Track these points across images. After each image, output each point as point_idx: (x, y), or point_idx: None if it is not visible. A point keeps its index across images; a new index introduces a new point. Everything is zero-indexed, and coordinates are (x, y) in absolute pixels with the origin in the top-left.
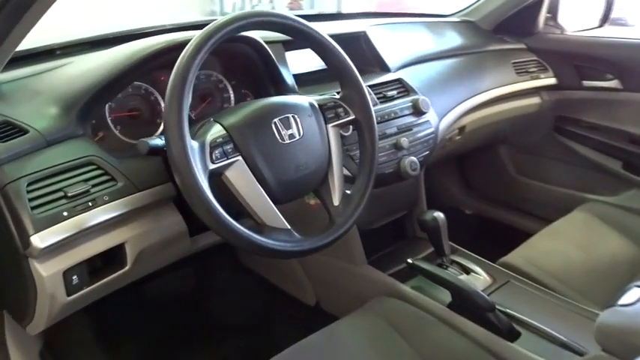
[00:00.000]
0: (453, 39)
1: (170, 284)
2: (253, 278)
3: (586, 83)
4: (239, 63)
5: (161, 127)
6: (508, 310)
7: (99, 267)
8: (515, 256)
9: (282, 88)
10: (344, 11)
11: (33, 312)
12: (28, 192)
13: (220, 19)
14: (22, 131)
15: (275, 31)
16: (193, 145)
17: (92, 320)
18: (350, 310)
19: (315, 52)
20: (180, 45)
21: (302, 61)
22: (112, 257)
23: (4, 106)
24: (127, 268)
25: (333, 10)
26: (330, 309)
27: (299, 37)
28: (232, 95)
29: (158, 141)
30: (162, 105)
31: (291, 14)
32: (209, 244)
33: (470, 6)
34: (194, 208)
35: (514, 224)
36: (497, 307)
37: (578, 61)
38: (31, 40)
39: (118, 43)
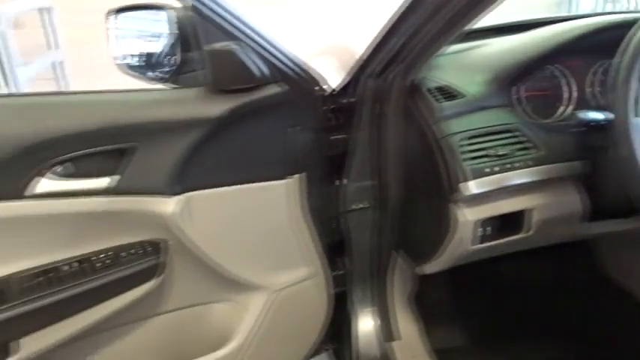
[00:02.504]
0: None
1: (526, 271)
2: (609, 285)
3: None
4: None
5: (559, 110)
6: None
7: (500, 226)
8: None
9: None
10: None
11: (435, 253)
12: (460, 146)
13: None
14: (457, 95)
15: None
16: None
17: (451, 284)
18: None
19: None
20: (619, 25)
21: None
22: (512, 221)
23: (441, 73)
24: (525, 234)
25: None
26: None
27: None
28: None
29: (596, 115)
30: (564, 89)
31: None
32: (597, 233)
33: None
34: (630, 184)
35: None
36: None
37: None
38: None
39: (522, 30)
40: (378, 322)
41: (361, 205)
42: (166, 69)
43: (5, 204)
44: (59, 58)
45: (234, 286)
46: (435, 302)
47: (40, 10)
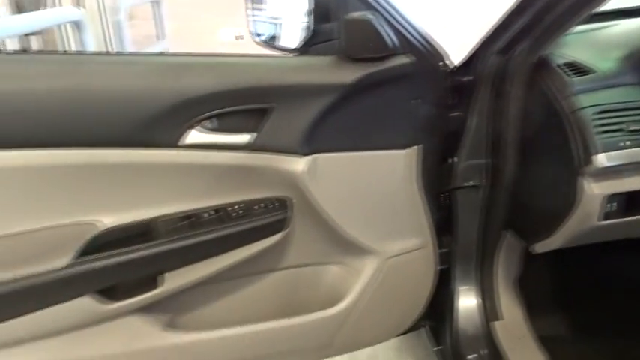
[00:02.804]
0: None
1: (635, 264)
2: None
3: None
4: None
5: None
6: None
7: (627, 204)
8: None
9: None
10: None
11: (553, 231)
12: (593, 120)
13: None
14: (587, 71)
15: None
16: None
17: (556, 271)
18: None
19: None
20: None
21: None
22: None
23: (568, 50)
24: None
25: None
26: None
27: None
28: None
29: None
30: None
31: None
32: None
33: None
34: None
35: None
36: None
37: None
38: None
39: None
40: (481, 301)
41: (472, 183)
42: (299, 41)
43: (163, 152)
44: (165, 48)
45: (349, 249)
46: (538, 288)
47: (152, 3)
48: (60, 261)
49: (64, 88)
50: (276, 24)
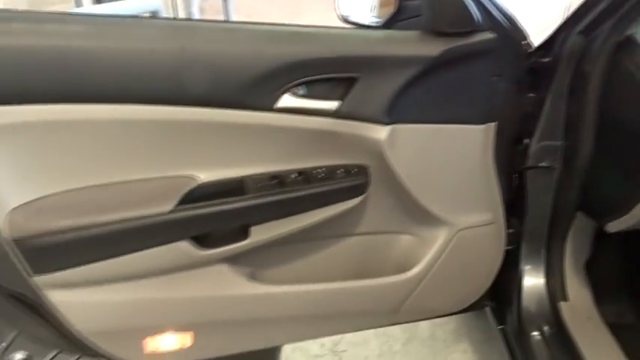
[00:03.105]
0: None
1: None
2: None
3: None
4: None
5: None
6: None
7: None
8: None
9: None
10: None
11: (631, 207)
12: None
13: None
14: None
15: None
16: None
17: (625, 257)
18: None
19: None
20: None
21: None
22: None
23: None
24: None
25: None
26: None
27: None
28: None
29: None
30: None
31: None
32: None
33: None
34: None
35: None
36: None
37: None
38: None
39: None
40: (548, 281)
41: (545, 164)
42: (383, 19)
43: (258, 114)
44: None
45: (422, 218)
46: (607, 272)
47: None
48: (163, 207)
49: (175, 50)
50: (362, 2)
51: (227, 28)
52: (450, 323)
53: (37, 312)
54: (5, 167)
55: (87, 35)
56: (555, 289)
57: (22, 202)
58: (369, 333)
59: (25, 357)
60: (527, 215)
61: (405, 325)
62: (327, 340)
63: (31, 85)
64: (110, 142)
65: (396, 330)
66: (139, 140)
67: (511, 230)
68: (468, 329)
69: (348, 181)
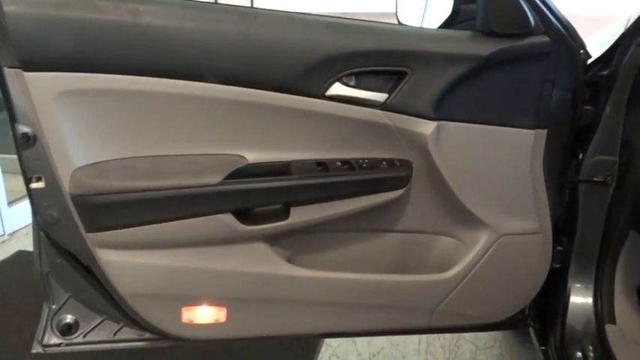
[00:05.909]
0: None
1: None
2: None
3: None
4: None
5: None
6: None
7: None
8: None
9: None
10: None
11: None
12: None
13: None
14: None
15: None
16: None
17: None
18: None
19: None
20: None
21: None
22: None
23: None
24: None
25: None
26: None
27: None
28: None
29: None
30: None
31: None
32: None
33: None
34: None
35: None
36: None
37: None
38: None
39: None
40: (596, 301)
41: (599, 179)
42: (440, 22)
43: (310, 100)
44: None
45: (464, 219)
46: None
47: None
48: (212, 180)
49: (239, 34)
50: (420, 5)
51: (287, 16)
52: (494, 348)
53: (89, 272)
54: (78, 130)
55: (166, 15)
56: (603, 311)
57: (86, 163)
58: (410, 349)
59: (72, 321)
60: (577, 231)
61: (447, 344)
62: (365, 351)
63: (113, 56)
64: (174, 116)
65: (437, 349)
66: (200, 116)
67: (560, 248)
68: (511, 356)
69: (391, 172)
